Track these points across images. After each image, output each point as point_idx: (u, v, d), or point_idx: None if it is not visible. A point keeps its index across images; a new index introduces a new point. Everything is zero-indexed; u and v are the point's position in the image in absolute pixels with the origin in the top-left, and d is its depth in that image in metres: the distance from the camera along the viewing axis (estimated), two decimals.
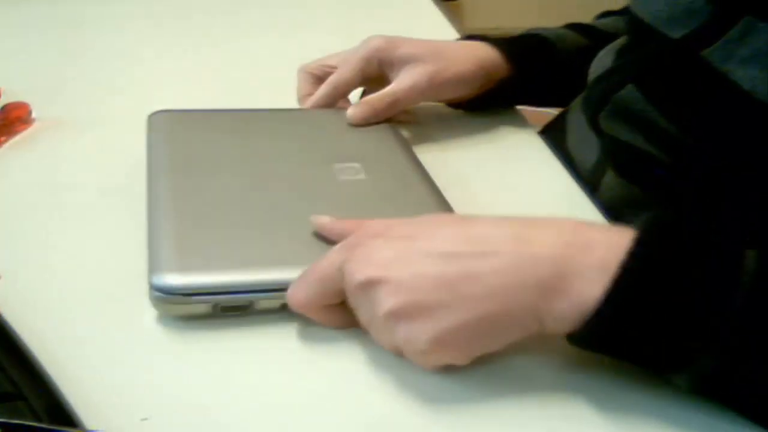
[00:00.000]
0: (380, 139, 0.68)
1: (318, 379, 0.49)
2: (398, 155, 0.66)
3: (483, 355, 0.48)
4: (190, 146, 0.64)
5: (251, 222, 0.56)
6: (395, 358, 0.49)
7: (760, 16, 0.56)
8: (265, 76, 0.83)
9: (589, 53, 0.76)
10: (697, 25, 0.60)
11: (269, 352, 0.50)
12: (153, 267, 0.51)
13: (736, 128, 0.57)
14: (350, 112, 0.69)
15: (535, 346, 0.50)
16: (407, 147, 0.68)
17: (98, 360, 0.49)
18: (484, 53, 0.74)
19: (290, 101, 0.75)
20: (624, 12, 0.84)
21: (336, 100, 0.73)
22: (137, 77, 0.81)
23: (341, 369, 0.49)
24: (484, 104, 0.77)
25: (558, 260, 0.45)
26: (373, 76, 0.73)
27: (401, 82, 0.71)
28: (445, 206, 0.59)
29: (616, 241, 0.44)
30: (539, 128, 0.82)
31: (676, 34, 0.61)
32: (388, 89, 0.71)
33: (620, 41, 0.72)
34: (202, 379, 0.48)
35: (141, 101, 0.68)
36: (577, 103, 0.79)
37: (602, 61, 0.73)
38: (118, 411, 0.45)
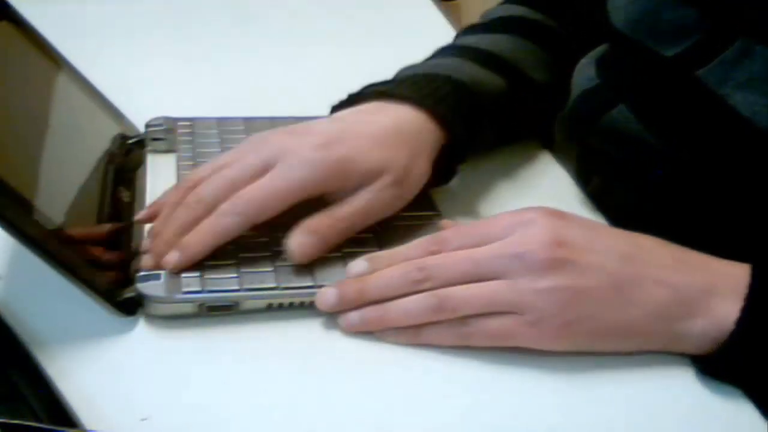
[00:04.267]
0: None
1: (317, 377, 0.49)
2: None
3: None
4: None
5: None
6: (391, 357, 0.50)
7: (755, 38, 0.54)
8: (265, 78, 0.83)
9: (510, 98, 0.66)
10: (691, 43, 0.57)
11: (269, 352, 0.50)
12: None
13: (734, 154, 0.56)
14: (294, 247, 0.53)
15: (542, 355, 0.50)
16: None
17: (98, 360, 0.49)
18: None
19: (289, 107, 0.74)
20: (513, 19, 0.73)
21: None
22: (138, 78, 0.81)
23: (339, 367, 0.50)
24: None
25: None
26: None
27: (358, 201, 0.55)
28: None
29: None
30: None
31: (669, 52, 0.58)
32: (342, 211, 0.55)
33: (599, 50, 0.67)
34: (202, 379, 0.48)
35: (141, 101, 0.68)
36: (562, 117, 0.75)
37: (585, 69, 0.67)
38: (118, 411, 0.45)
